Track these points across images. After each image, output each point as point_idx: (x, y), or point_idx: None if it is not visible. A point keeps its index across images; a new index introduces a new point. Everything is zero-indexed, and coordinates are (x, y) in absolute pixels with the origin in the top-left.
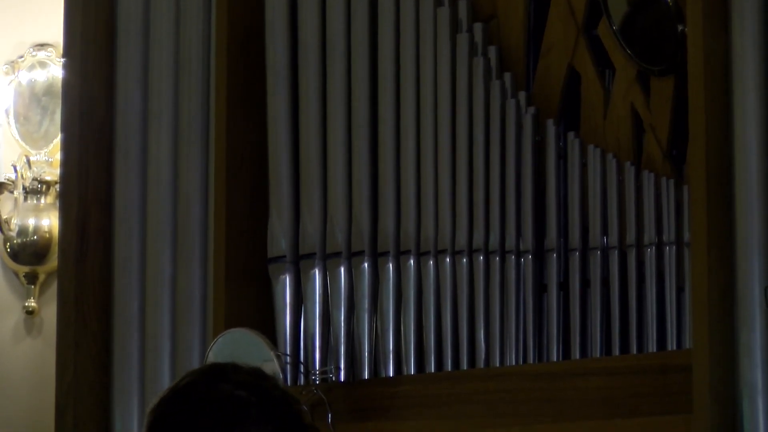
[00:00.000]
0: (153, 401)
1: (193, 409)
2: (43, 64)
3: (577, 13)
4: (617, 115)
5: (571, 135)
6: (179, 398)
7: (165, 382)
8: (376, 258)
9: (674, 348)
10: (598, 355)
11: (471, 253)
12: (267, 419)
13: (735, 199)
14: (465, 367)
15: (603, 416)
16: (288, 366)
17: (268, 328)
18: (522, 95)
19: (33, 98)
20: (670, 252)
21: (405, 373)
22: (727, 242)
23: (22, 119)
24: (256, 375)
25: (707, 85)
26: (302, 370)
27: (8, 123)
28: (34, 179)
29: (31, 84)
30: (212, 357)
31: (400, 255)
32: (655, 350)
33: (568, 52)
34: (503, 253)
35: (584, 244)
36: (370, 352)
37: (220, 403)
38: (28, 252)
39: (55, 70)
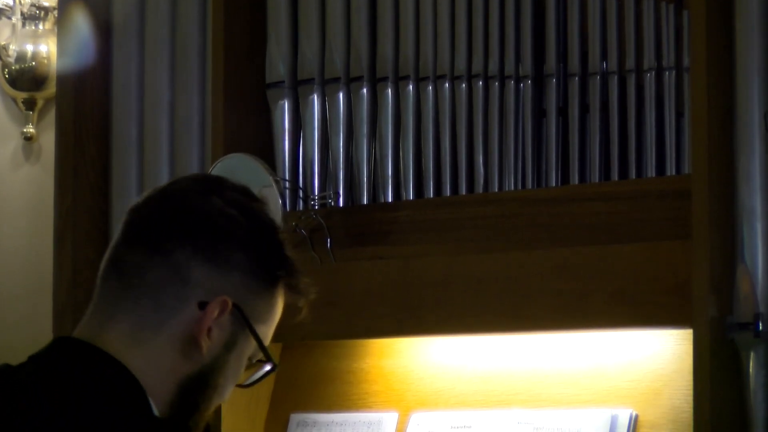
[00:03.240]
0: (137, 200)
1: (181, 215)
2: None
3: None
4: None
5: None
6: (168, 203)
7: None
8: (375, 83)
9: (673, 173)
10: (596, 181)
11: (470, 78)
12: (252, 243)
13: (735, 24)
14: (464, 193)
15: (601, 241)
16: (287, 191)
17: (266, 153)
18: None
19: None
20: (669, 77)
21: (404, 198)
22: (726, 67)
23: None
24: (248, 195)
25: None
26: (301, 195)
27: None
28: (32, 5)
29: None
30: None
31: (398, 80)
32: (654, 175)
33: None
34: (502, 79)
35: (583, 69)
36: (368, 178)
37: (209, 217)
38: (27, 78)
39: None
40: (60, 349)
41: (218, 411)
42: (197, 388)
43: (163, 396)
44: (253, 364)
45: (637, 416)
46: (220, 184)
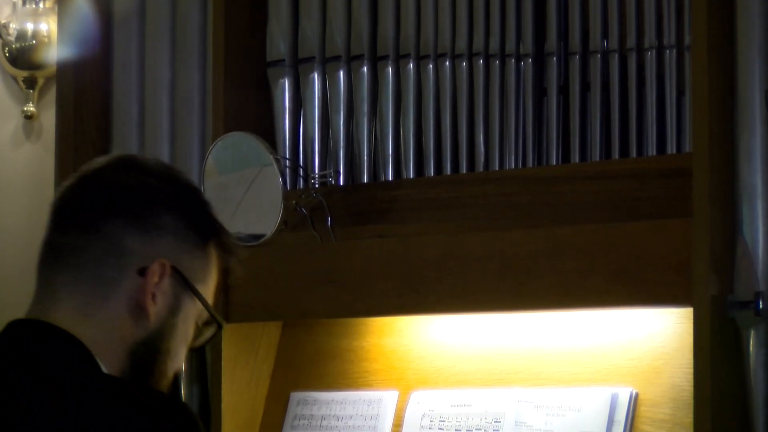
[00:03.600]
0: (58, 189)
1: (103, 191)
2: None
3: None
4: None
5: None
6: (88, 183)
7: None
8: (376, 62)
9: (674, 152)
10: (597, 159)
11: (471, 56)
12: (176, 205)
13: (736, 3)
14: (464, 171)
15: (602, 220)
16: (287, 169)
17: (267, 132)
18: None
19: None
20: (670, 55)
21: (404, 176)
22: (727, 45)
23: None
24: (164, 165)
25: None
26: (301, 173)
27: None
28: None
29: None
30: (211, 161)
31: (399, 59)
32: (654, 154)
33: None
34: (503, 57)
35: (584, 47)
36: (369, 156)
37: (130, 187)
38: (27, 57)
39: None
40: (12, 331)
41: (218, 389)
42: (148, 354)
43: (116, 365)
44: (202, 327)
45: (637, 394)
46: (133, 158)
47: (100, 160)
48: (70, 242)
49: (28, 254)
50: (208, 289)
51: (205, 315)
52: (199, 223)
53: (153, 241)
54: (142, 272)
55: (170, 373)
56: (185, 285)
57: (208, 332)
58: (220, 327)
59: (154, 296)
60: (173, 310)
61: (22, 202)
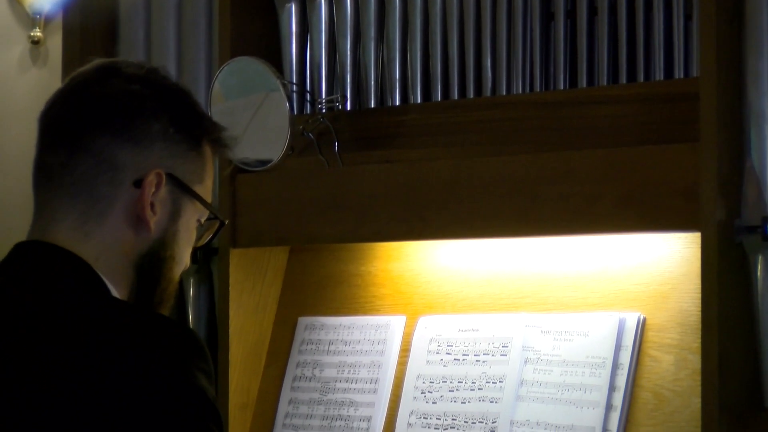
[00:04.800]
0: (43, 107)
1: (88, 106)
2: None
3: None
4: None
5: None
6: (73, 99)
7: None
8: None
9: (681, 76)
10: (605, 84)
11: None
12: (163, 111)
13: None
14: (471, 96)
15: (609, 144)
16: (294, 94)
17: (273, 56)
18: None
19: None
20: None
21: (411, 101)
22: None
23: None
24: (146, 68)
25: None
26: (308, 98)
27: None
28: None
29: None
30: (218, 86)
31: None
32: (662, 78)
33: None
34: None
35: None
36: (376, 81)
37: (115, 99)
38: None
39: None
40: (18, 254)
41: (226, 313)
42: (153, 264)
43: (123, 280)
44: (204, 225)
45: (644, 319)
46: (115, 65)
47: (82, 71)
48: (61, 161)
49: None
50: (206, 188)
51: (207, 213)
52: (189, 125)
53: (145, 152)
54: (138, 184)
55: (177, 277)
56: (183, 190)
57: (211, 230)
58: (222, 224)
59: (152, 206)
60: (173, 216)
61: (29, 128)
